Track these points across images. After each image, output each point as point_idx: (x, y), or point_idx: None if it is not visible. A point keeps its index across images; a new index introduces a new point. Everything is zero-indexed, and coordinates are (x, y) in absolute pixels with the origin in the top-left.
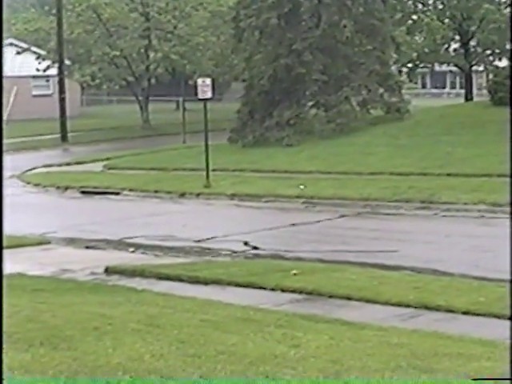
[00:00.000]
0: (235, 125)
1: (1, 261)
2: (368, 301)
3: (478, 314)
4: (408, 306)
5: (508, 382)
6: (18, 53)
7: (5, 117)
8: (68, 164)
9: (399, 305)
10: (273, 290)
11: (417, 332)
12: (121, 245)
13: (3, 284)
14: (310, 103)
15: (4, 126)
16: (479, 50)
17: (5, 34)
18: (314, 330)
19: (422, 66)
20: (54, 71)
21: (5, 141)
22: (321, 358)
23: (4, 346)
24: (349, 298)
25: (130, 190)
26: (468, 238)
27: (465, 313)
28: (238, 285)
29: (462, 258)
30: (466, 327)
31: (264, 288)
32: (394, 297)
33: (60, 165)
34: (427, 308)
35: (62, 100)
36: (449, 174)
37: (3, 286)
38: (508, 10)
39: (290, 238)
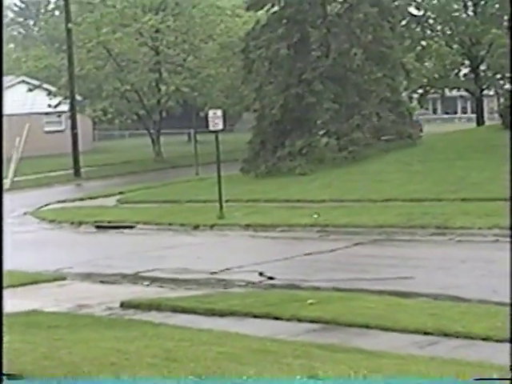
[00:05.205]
0: (247, 155)
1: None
2: (385, 329)
3: (497, 340)
4: (426, 333)
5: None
6: (30, 90)
7: (18, 154)
8: (81, 199)
9: (417, 332)
10: (289, 320)
11: (435, 359)
12: (136, 279)
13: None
14: (322, 132)
15: (16, 163)
16: (489, 74)
17: (16, 72)
18: (331, 359)
19: (432, 91)
20: (65, 107)
21: (18, 178)
22: None
23: None
24: (366, 327)
25: (144, 223)
26: (484, 262)
27: (484, 339)
28: (254, 316)
29: (479, 283)
30: (486, 353)
31: (280, 318)
32: (412, 324)
33: (74, 200)
34: (445, 335)
35: (75, 135)
36: (463, 199)
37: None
38: None
39: (306, 268)
